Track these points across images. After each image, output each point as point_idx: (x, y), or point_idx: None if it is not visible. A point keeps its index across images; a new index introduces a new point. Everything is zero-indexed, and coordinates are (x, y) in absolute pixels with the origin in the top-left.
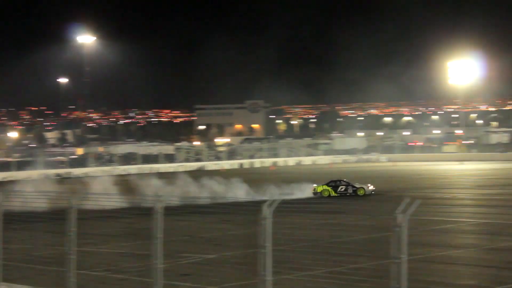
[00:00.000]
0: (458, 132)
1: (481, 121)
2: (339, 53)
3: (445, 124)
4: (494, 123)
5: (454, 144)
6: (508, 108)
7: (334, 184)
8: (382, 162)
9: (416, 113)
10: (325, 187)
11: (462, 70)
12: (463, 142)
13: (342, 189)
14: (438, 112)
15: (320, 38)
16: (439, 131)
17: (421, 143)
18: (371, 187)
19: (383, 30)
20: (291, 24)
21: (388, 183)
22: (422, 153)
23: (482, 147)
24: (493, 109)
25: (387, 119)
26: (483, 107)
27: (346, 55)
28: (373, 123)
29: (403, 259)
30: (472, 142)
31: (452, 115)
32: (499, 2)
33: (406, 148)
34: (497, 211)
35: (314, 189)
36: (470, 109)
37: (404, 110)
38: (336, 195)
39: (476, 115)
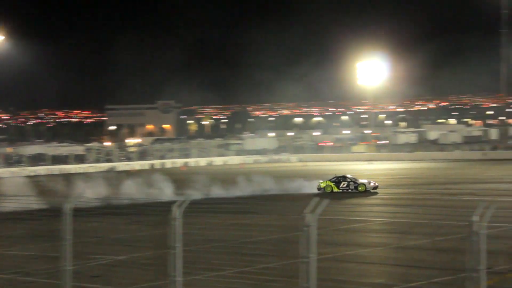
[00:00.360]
0: (367, 132)
1: (390, 122)
2: (250, 53)
3: (355, 125)
4: (403, 124)
5: (363, 144)
6: (416, 109)
7: (337, 180)
8: (292, 162)
9: (326, 113)
10: (328, 182)
11: (371, 71)
12: (378, 142)
13: (344, 185)
14: (348, 113)
15: (231, 38)
16: (349, 132)
17: (331, 143)
18: (372, 184)
19: (292, 31)
20: (201, 24)
21: (297, 183)
22: (332, 153)
23: (390, 147)
24: (402, 109)
25: (298, 120)
26: (391, 108)
27: (256, 55)
28: (284, 123)
29: (312, 258)
30: (387, 142)
31: (362, 116)
32: (405, 4)
33: (317, 148)
34: (405, 210)
35: (319, 185)
36: (379, 110)
37: (314, 110)
38: (338, 191)
39: (385, 115)
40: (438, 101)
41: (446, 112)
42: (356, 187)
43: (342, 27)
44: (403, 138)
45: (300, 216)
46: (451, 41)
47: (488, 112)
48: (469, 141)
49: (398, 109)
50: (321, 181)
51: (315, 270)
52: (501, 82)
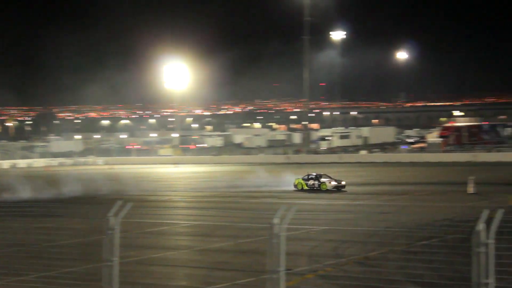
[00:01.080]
0: (175, 135)
1: (196, 125)
2: (55, 54)
3: (162, 128)
4: (209, 127)
5: (169, 147)
6: (222, 113)
7: (307, 178)
8: (98, 165)
9: (133, 116)
10: (300, 180)
11: (178, 74)
12: (197, 145)
13: (311, 183)
14: (155, 116)
15: (35, 38)
16: (156, 135)
17: (139, 146)
18: (333, 183)
19: (99, 33)
20: (3, 22)
21: (103, 186)
22: (139, 156)
23: (196, 151)
24: (208, 113)
25: (104, 122)
26: (198, 111)
27: (62, 56)
28: (90, 126)
29: (115, 262)
30: (205, 145)
31: (169, 119)
32: (212, 9)
33: (123, 151)
34: (208, 213)
35: (294, 182)
36: (186, 113)
37: (121, 113)
38: (307, 188)
39: (192, 119)
40: (243, 106)
41: (251, 116)
42: (319, 185)
43: (149, 31)
44: (209, 142)
45: (104, 219)
46: (257, 47)
47: (291, 117)
48: (273, 145)
49: (204, 113)
50: (296, 178)
51: (118, 273)
52: (304, 88)
